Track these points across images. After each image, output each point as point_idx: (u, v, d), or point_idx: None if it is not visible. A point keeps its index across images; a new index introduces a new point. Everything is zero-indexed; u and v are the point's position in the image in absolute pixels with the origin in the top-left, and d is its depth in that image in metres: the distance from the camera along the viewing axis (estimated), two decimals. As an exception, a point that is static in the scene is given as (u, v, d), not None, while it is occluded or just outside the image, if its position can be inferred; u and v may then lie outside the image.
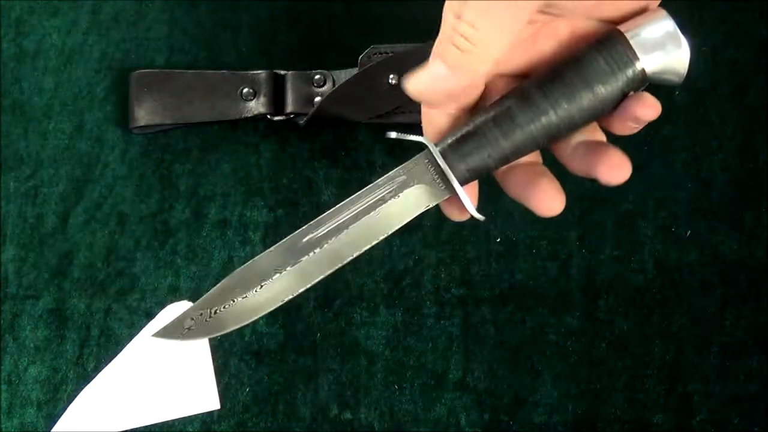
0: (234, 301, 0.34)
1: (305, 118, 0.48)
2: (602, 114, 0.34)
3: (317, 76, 0.49)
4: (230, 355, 0.47)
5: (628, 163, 0.33)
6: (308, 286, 0.34)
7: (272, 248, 0.34)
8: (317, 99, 0.49)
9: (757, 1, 0.50)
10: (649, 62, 0.32)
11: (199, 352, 0.47)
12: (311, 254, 0.34)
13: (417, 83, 0.32)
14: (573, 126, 0.33)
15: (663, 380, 0.46)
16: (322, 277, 0.34)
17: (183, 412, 0.46)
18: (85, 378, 0.47)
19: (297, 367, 0.47)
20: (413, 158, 0.35)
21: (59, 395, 0.47)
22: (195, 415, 0.46)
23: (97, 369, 0.48)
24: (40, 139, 0.52)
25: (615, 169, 0.33)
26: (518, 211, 0.48)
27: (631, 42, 0.32)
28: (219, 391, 0.47)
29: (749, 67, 0.49)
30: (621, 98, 0.33)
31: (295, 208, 0.49)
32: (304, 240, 0.34)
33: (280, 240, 0.34)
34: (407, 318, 0.47)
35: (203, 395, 0.46)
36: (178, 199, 0.50)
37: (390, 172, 0.35)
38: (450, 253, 0.48)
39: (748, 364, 0.46)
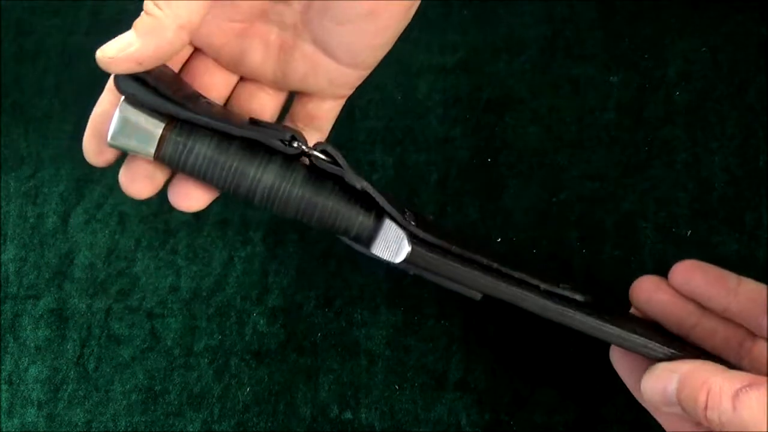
0: None
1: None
2: None
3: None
4: (230, 355, 0.47)
5: None
6: None
7: None
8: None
9: (757, 1, 0.50)
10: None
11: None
12: None
13: (105, 51, 0.33)
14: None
15: (663, 380, 0.46)
16: None
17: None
18: (85, 378, 0.48)
19: (297, 367, 0.47)
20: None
21: (60, 395, 0.47)
22: (195, 415, 0.46)
23: (98, 369, 0.48)
24: (41, 138, 0.52)
25: None
26: (518, 211, 0.48)
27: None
28: (219, 390, 0.47)
29: (749, 67, 0.49)
30: None
31: (296, 208, 0.49)
32: None
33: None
34: (408, 318, 0.47)
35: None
36: (178, 199, 0.50)
37: None
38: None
39: (748, 364, 0.46)
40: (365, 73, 0.38)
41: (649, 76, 0.50)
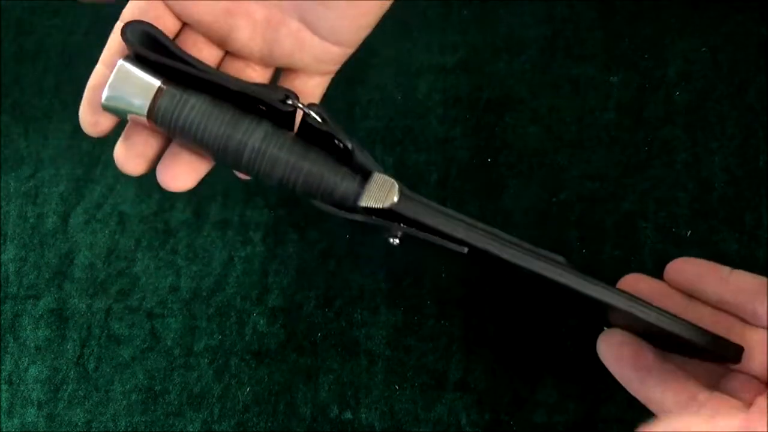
0: None
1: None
2: None
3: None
4: (230, 355, 0.47)
5: None
6: None
7: None
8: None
9: (757, 1, 0.50)
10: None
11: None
12: None
13: None
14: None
15: (663, 380, 0.46)
16: None
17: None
18: (85, 378, 0.48)
19: (297, 367, 0.47)
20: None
21: (60, 395, 0.47)
22: (195, 415, 0.46)
23: (98, 369, 0.48)
24: (41, 138, 0.52)
25: None
26: (518, 211, 0.48)
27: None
28: (219, 391, 0.47)
29: (749, 67, 0.49)
30: None
31: (297, 207, 0.49)
32: None
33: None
34: (408, 318, 0.47)
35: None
36: (178, 198, 0.50)
37: None
38: (450, 253, 0.48)
39: (748, 364, 0.46)
40: (350, 51, 0.39)
41: (649, 76, 0.50)
